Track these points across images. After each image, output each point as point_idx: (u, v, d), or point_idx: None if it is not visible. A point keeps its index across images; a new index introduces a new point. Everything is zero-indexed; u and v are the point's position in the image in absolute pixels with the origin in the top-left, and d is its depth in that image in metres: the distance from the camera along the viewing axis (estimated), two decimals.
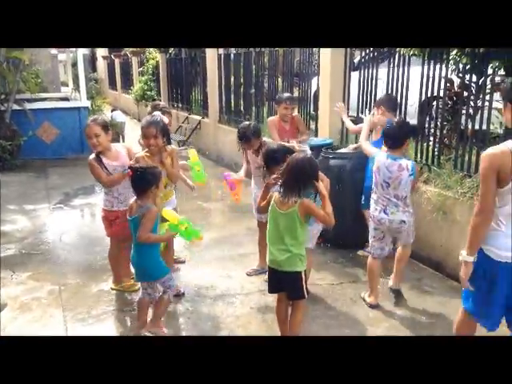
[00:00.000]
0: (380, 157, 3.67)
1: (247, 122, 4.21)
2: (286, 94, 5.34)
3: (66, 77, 16.69)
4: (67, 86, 14.59)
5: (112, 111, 11.38)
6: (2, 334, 3.37)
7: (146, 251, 3.25)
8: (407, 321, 3.57)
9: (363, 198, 4.55)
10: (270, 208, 3.03)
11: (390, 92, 5.15)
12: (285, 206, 2.94)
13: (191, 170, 4.13)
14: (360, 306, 3.78)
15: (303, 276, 3.03)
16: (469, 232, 2.47)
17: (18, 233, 5.52)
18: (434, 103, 4.83)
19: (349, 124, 4.95)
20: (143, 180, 3.21)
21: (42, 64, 12.03)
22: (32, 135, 9.10)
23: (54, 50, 16.10)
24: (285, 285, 3.07)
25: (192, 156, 4.10)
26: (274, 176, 3.11)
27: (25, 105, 9.08)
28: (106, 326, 3.57)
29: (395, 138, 3.64)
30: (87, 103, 10.10)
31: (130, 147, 4.08)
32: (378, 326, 3.49)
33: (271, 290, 3.20)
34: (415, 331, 3.43)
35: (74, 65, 11.18)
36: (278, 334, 3.21)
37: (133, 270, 3.53)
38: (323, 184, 3.10)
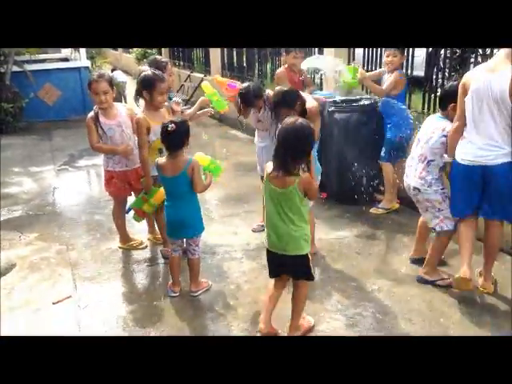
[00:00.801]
0: (431, 116, 3.51)
1: (246, 84, 4.06)
2: None
3: None
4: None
5: (112, 71, 11.18)
6: (12, 294, 3.44)
7: (193, 206, 3.30)
8: (410, 277, 3.59)
9: (384, 150, 4.54)
10: (264, 186, 2.72)
11: None
12: (280, 182, 2.58)
13: (211, 102, 4.13)
14: (364, 259, 3.80)
15: (309, 256, 2.76)
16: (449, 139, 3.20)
17: (24, 194, 5.54)
18: (442, 52, 4.69)
19: (375, 88, 4.59)
20: (182, 134, 3.17)
21: None
22: (33, 97, 9.00)
23: None
24: (289, 267, 2.78)
25: (206, 89, 4.12)
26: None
27: (25, 66, 8.93)
28: (115, 284, 3.61)
29: (440, 99, 3.43)
30: (87, 63, 9.93)
31: (131, 109, 4.02)
32: (383, 278, 3.51)
33: (273, 274, 2.88)
34: (428, 287, 3.45)
35: None
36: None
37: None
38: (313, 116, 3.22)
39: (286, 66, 4.86)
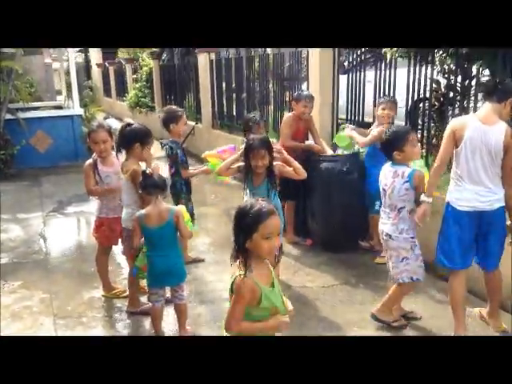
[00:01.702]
0: (385, 165, 3.49)
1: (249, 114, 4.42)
2: (306, 92, 5.22)
3: (60, 85, 16.72)
4: (62, 94, 14.62)
5: (105, 119, 11.37)
6: None
7: (177, 253, 3.34)
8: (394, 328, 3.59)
9: (378, 204, 4.25)
10: None
11: (378, 94, 5.19)
12: None
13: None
14: (349, 308, 3.80)
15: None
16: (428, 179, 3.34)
17: (10, 242, 5.53)
18: (421, 105, 4.86)
19: (360, 139, 4.70)
20: (162, 181, 3.31)
21: (35, 73, 12.05)
22: (25, 144, 9.11)
23: (47, 59, 16.13)
24: None
25: (211, 159, 4.28)
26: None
27: (18, 114, 9.09)
28: (97, 333, 3.57)
29: (384, 148, 3.48)
30: (80, 111, 10.12)
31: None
32: (367, 328, 3.51)
33: None
34: (406, 332, 3.45)
35: (68, 73, 11.20)
36: None
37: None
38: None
39: (294, 113, 4.96)
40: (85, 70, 23.48)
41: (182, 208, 3.43)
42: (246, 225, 2.03)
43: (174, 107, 4.83)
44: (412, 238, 3.37)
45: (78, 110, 10.06)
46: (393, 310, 3.58)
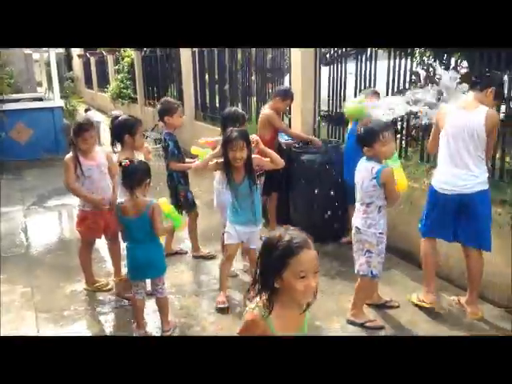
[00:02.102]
0: (361, 160, 3.38)
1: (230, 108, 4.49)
2: (292, 91, 5.22)
3: (41, 76, 16.49)
4: (42, 85, 14.43)
5: (86, 111, 11.26)
6: None
7: (155, 246, 3.34)
8: (378, 306, 3.67)
9: None
10: None
11: (359, 86, 5.23)
12: None
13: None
14: (329, 298, 3.86)
15: None
16: None
17: None
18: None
19: None
20: (138, 173, 3.27)
21: (15, 64, 11.88)
22: (5, 137, 9.00)
23: (27, 50, 15.88)
24: None
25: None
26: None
27: None
28: (78, 327, 3.58)
29: (363, 139, 3.34)
30: (61, 103, 10.01)
31: (108, 152, 4.10)
32: (346, 316, 3.57)
33: None
34: (381, 319, 3.52)
35: (49, 64, 11.06)
36: None
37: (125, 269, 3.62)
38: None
39: (277, 109, 4.98)
40: (66, 60, 23.16)
41: (163, 202, 3.39)
42: (274, 259, 1.73)
43: (170, 99, 4.80)
44: (380, 233, 3.32)
45: (58, 101, 9.95)
46: (373, 297, 3.66)
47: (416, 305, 3.66)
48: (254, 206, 3.61)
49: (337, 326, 3.47)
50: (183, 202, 4.50)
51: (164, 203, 3.40)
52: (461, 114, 3.31)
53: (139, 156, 3.88)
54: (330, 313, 3.65)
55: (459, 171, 3.33)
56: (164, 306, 3.44)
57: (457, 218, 3.41)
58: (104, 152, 4.05)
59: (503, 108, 3.98)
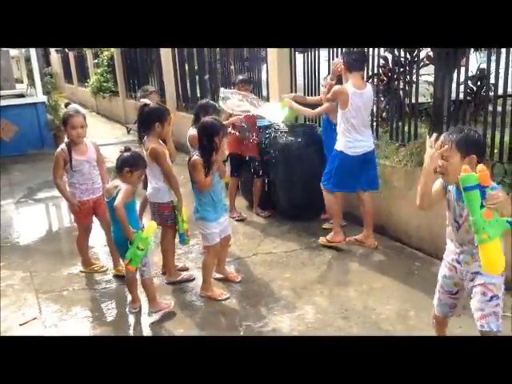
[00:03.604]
0: None
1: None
2: (241, 77, 5.53)
3: (19, 73, 16.45)
4: (22, 82, 14.44)
5: (66, 105, 11.32)
6: None
7: (117, 229, 3.45)
8: (354, 274, 4.00)
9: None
10: None
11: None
12: None
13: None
14: (309, 268, 4.19)
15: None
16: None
17: None
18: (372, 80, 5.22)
19: (304, 111, 4.96)
20: (120, 161, 3.47)
21: None
22: None
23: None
24: None
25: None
26: None
27: None
28: (78, 304, 3.85)
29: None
30: (44, 98, 10.13)
31: (95, 143, 4.24)
32: (325, 283, 3.90)
33: None
34: (363, 288, 3.85)
35: (28, 60, 11.11)
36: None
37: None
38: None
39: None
40: (43, 56, 22.97)
41: (149, 225, 3.51)
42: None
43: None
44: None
45: (41, 97, 10.06)
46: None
47: (329, 246, 4.51)
48: (223, 197, 3.83)
49: (317, 292, 3.79)
50: None
51: (149, 226, 3.48)
52: (357, 93, 4.10)
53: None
54: (312, 281, 3.97)
55: (363, 137, 4.22)
56: (147, 288, 3.57)
57: (359, 172, 4.31)
58: (92, 144, 4.16)
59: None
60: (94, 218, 4.26)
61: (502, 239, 2.24)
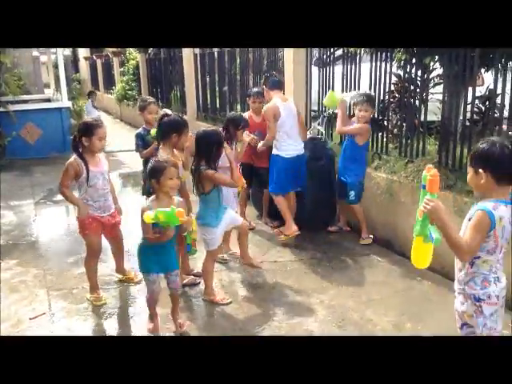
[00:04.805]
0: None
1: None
2: (255, 89, 5.66)
3: (48, 78, 16.97)
4: (50, 87, 14.89)
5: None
6: None
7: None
8: (355, 285, 4.07)
9: (352, 194, 4.94)
10: None
11: (346, 86, 5.62)
12: None
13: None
14: (311, 277, 4.27)
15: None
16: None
17: (4, 226, 5.91)
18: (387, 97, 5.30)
19: (341, 118, 5.00)
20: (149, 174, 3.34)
21: (24, 66, 12.33)
22: (16, 136, 9.46)
23: (35, 52, 16.31)
24: None
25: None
26: None
27: (8, 106, 9.43)
28: (87, 303, 3.99)
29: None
30: (69, 104, 10.46)
31: (104, 155, 4.05)
32: (325, 293, 3.98)
33: None
34: (362, 300, 3.92)
35: (56, 66, 11.51)
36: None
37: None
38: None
39: (250, 109, 5.41)
40: (72, 63, 23.68)
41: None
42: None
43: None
44: None
45: (66, 102, 10.40)
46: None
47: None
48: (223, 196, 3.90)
49: (316, 301, 3.87)
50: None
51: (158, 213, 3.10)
52: (285, 105, 4.91)
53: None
54: (312, 290, 4.06)
55: (294, 142, 4.94)
56: (176, 300, 3.53)
57: (297, 173, 4.95)
58: (104, 156, 4.01)
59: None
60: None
61: (429, 242, 2.37)
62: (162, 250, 3.34)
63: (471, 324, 2.38)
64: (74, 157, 3.76)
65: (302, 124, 5.29)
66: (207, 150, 3.72)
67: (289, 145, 4.92)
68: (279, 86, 5.23)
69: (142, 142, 4.72)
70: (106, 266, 4.49)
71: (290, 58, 6.27)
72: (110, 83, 17.69)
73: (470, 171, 2.35)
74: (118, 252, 4.30)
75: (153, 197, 3.34)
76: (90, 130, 3.71)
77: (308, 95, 6.27)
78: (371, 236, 5.01)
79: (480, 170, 2.26)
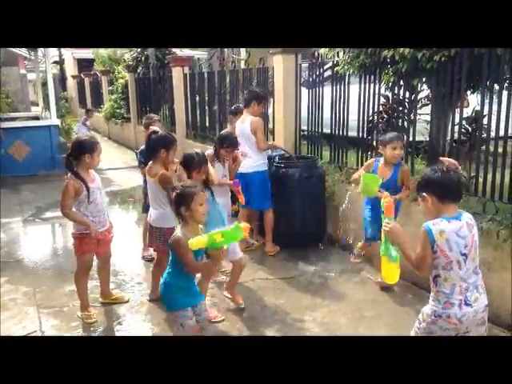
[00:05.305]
0: None
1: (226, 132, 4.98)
2: (232, 107, 5.96)
3: (35, 96, 16.96)
4: (37, 105, 14.88)
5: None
6: None
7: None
8: (347, 302, 4.10)
9: (370, 231, 4.34)
10: None
11: (334, 107, 5.73)
12: None
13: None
14: (303, 295, 4.30)
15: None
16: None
17: None
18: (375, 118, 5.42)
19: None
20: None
21: (11, 84, 12.35)
22: (4, 153, 9.41)
23: (22, 70, 16.34)
24: None
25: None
26: None
27: None
28: (78, 321, 3.96)
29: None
30: (57, 122, 10.46)
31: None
32: (318, 311, 4.00)
33: None
34: (354, 316, 3.95)
35: (45, 84, 11.52)
36: None
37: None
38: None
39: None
40: (60, 81, 23.66)
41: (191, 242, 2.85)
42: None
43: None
44: None
45: (55, 120, 10.38)
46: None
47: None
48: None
49: (309, 319, 3.89)
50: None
51: (193, 243, 2.81)
52: (240, 125, 5.22)
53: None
54: (304, 307, 4.08)
55: (260, 157, 5.20)
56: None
57: (247, 190, 4.88)
58: (94, 172, 3.96)
59: None
60: None
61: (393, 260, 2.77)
62: (189, 281, 3.07)
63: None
64: (69, 175, 3.71)
65: (259, 141, 5.17)
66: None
67: (258, 161, 5.19)
68: (247, 101, 5.40)
69: (145, 159, 4.74)
70: (97, 283, 4.45)
71: (280, 78, 6.38)
72: (98, 101, 17.70)
73: (419, 201, 2.55)
74: (105, 271, 4.21)
75: (181, 225, 3.01)
76: (92, 146, 3.75)
77: (297, 115, 6.37)
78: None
79: (424, 194, 2.48)
